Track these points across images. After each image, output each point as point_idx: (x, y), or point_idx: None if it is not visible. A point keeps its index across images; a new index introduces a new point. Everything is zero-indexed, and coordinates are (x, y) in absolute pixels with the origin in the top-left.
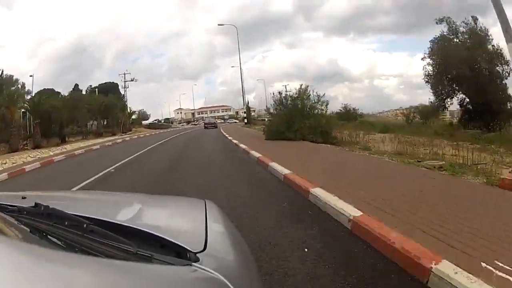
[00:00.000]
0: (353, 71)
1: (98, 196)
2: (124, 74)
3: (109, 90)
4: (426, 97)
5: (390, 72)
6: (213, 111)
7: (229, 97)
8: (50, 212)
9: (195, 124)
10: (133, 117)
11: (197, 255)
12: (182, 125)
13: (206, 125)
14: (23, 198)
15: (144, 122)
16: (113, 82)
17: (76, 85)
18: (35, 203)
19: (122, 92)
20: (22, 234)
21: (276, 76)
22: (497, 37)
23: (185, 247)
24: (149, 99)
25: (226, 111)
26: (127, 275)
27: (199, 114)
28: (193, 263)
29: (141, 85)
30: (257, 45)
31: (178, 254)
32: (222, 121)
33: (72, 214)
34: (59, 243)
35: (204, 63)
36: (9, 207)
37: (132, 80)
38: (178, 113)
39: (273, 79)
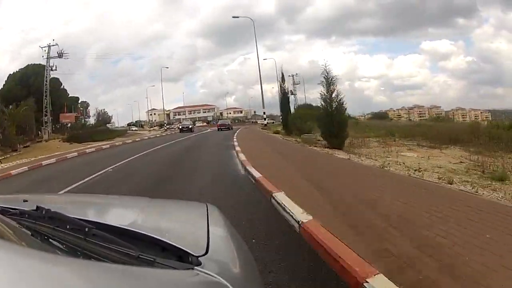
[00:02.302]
0: (334, 73)
1: (100, 200)
2: (49, 46)
3: (30, 76)
4: (406, 98)
5: (371, 74)
6: (192, 112)
7: (209, 100)
8: (51, 215)
9: (166, 129)
10: (90, 120)
11: (199, 259)
12: (151, 130)
13: (220, 127)
14: (25, 201)
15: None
16: (39, 64)
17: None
18: (37, 206)
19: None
20: (23, 238)
21: (257, 79)
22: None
23: (187, 251)
24: (129, 102)
25: (208, 111)
26: (129, 279)
27: (176, 115)
28: (195, 267)
29: (122, 88)
30: (238, 48)
31: (180, 258)
32: (206, 123)
33: (74, 217)
34: (61, 246)
35: (185, 66)
36: (10, 210)
37: (59, 57)
38: (151, 114)
39: (254, 81)
